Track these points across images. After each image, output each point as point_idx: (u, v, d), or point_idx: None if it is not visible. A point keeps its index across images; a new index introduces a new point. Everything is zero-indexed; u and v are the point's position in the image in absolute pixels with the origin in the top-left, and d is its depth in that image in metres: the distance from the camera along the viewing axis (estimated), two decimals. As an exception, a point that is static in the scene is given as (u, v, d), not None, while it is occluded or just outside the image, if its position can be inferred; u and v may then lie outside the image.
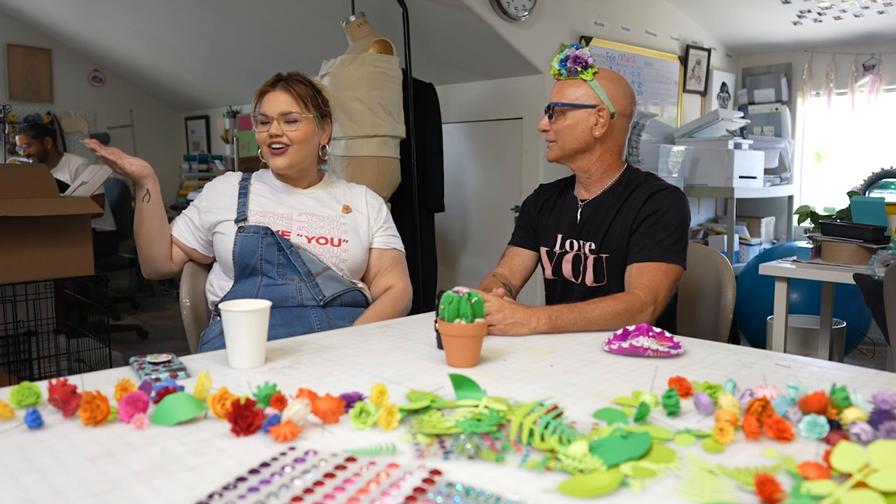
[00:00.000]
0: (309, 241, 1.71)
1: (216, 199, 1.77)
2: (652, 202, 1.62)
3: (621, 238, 1.64)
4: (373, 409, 0.92)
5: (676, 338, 1.29)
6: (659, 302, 1.54)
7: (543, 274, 1.81)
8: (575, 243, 1.71)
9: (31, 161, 4.27)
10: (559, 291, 1.76)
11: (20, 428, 0.89)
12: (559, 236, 1.74)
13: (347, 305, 1.75)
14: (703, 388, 1.01)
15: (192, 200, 1.87)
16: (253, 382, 1.08)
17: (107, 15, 4.94)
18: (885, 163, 3.57)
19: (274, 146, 1.70)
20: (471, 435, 0.85)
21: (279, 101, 1.70)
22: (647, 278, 1.55)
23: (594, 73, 1.64)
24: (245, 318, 1.17)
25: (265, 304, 1.21)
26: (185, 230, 1.80)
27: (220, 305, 1.19)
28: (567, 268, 1.71)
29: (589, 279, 1.68)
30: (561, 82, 1.68)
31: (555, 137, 1.67)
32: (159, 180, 1.78)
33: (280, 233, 1.69)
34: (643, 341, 1.25)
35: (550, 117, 1.67)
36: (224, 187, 1.80)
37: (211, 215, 1.75)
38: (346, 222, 1.77)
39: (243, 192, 1.76)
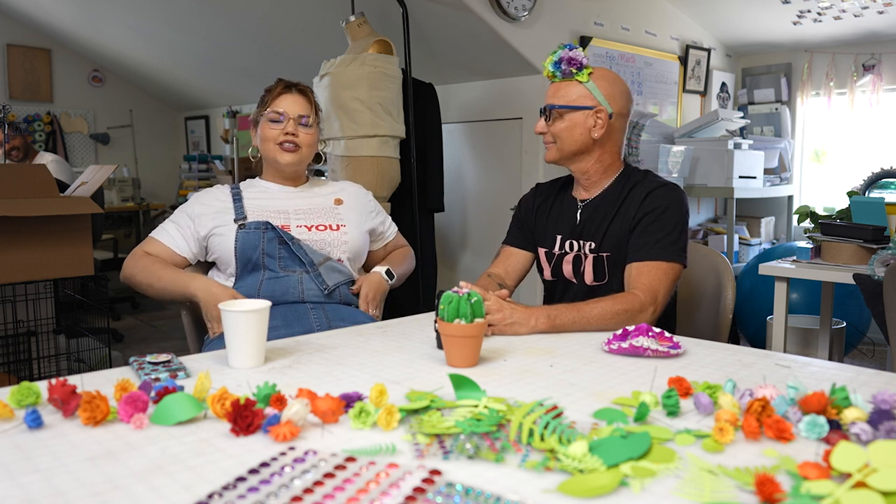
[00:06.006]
0: (309, 230, 1.76)
1: (209, 205, 1.78)
2: (651, 199, 1.61)
3: (621, 236, 1.63)
4: (372, 409, 0.92)
5: (676, 338, 1.29)
6: (659, 302, 1.53)
7: (542, 276, 1.80)
8: (575, 244, 1.70)
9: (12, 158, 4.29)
10: (559, 292, 1.75)
11: (20, 428, 0.89)
12: (558, 237, 1.73)
13: (346, 303, 1.76)
14: (703, 388, 1.01)
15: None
16: (253, 382, 1.08)
17: (106, 15, 4.94)
18: (885, 163, 3.57)
19: (287, 144, 1.77)
20: (470, 435, 0.85)
21: (298, 104, 1.79)
22: (646, 278, 1.54)
23: (589, 74, 1.62)
24: (245, 317, 1.17)
25: (265, 304, 1.21)
26: (179, 238, 1.76)
27: (220, 305, 1.19)
28: (568, 269, 1.71)
29: (588, 278, 1.67)
30: (556, 84, 1.65)
31: (553, 139, 1.66)
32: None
33: (280, 227, 1.72)
34: (643, 341, 1.25)
35: (547, 119, 1.65)
36: (215, 194, 1.81)
37: (205, 220, 1.75)
38: (340, 211, 1.84)
39: (237, 197, 1.79)
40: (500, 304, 1.41)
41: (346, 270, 1.77)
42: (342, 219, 1.82)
